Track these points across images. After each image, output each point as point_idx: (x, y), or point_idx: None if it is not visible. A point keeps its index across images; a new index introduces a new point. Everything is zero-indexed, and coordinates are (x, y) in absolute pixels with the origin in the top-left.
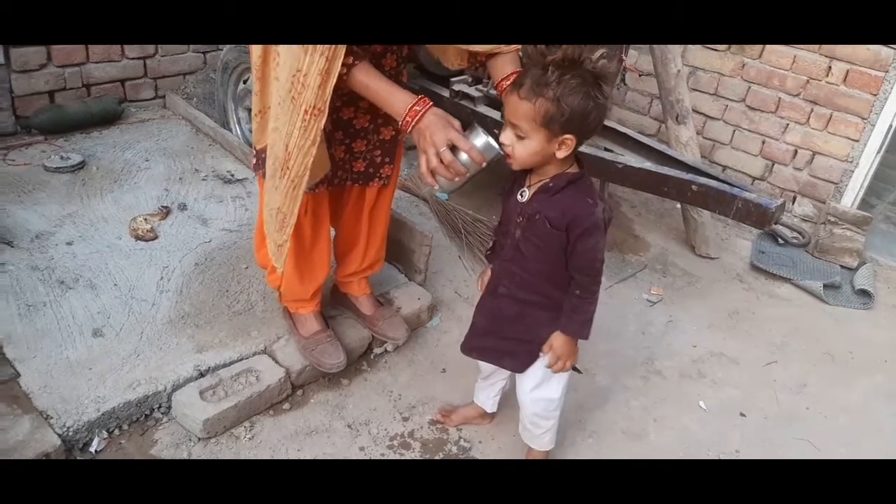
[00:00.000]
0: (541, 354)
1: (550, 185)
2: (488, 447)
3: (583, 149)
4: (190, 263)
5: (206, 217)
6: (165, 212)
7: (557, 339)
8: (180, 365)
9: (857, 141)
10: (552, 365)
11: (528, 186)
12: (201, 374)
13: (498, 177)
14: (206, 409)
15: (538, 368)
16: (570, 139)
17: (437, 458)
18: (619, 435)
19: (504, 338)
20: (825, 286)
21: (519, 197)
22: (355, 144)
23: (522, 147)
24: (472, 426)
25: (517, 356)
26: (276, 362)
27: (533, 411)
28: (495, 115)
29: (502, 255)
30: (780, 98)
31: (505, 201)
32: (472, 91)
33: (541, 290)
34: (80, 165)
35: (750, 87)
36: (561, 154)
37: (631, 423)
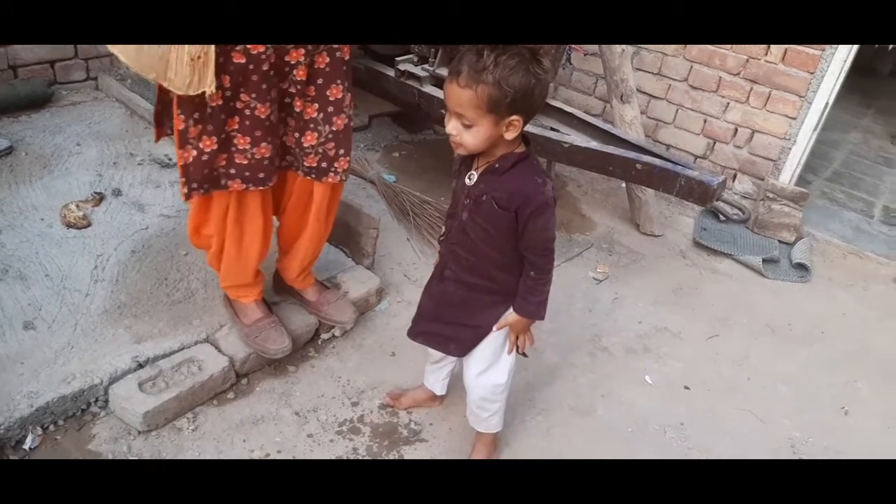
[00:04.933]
0: (494, 329)
1: (497, 165)
2: (439, 428)
3: (529, 128)
4: (126, 251)
5: (143, 203)
6: (99, 198)
7: (514, 319)
8: (117, 357)
9: (794, 119)
10: (510, 345)
11: (476, 169)
12: (140, 366)
13: (445, 161)
14: (145, 401)
15: (485, 353)
16: (517, 119)
17: (385, 442)
18: (567, 411)
19: (449, 322)
20: (764, 261)
21: (467, 180)
22: (305, 138)
23: (471, 135)
24: (422, 409)
25: (462, 341)
26: (220, 351)
27: (480, 395)
28: (441, 94)
29: (449, 238)
30: (720, 77)
31: (454, 184)
32: (418, 71)
33: (487, 273)
34: (8, 151)
35: (692, 67)
36: (509, 135)
37: (579, 399)
